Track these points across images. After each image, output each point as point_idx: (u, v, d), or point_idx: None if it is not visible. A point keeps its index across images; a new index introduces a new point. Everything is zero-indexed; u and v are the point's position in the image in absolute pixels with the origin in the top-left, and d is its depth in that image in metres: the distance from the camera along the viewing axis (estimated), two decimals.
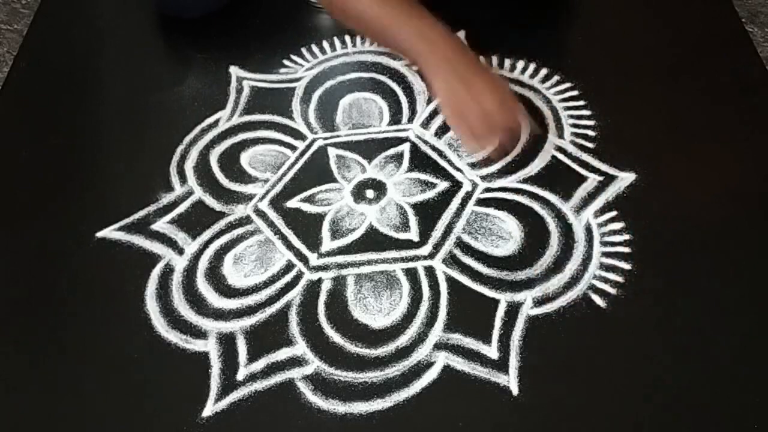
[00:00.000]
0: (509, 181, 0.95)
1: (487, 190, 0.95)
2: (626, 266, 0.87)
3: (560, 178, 0.95)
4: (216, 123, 1.05)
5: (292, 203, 0.96)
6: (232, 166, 1.00)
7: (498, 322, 0.84)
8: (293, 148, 1.01)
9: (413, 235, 0.92)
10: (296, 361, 0.82)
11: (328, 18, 1.18)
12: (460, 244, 0.90)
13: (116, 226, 0.94)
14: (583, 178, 0.95)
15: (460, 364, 0.81)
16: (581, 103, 1.03)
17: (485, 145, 0.87)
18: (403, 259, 0.90)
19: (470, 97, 0.85)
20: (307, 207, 0.95)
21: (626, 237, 0.89)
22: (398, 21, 0.87)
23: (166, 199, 0.97)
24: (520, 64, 1.08)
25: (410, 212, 0.94)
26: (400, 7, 0.88)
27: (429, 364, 0.81)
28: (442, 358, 0.82)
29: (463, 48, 0.89)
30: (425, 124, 1.02)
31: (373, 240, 0.91)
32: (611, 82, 1.06)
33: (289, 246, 0.92)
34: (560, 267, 0.88)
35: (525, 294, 0.86)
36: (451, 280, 0.87)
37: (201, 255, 0.92)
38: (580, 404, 0.78)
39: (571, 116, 1.02)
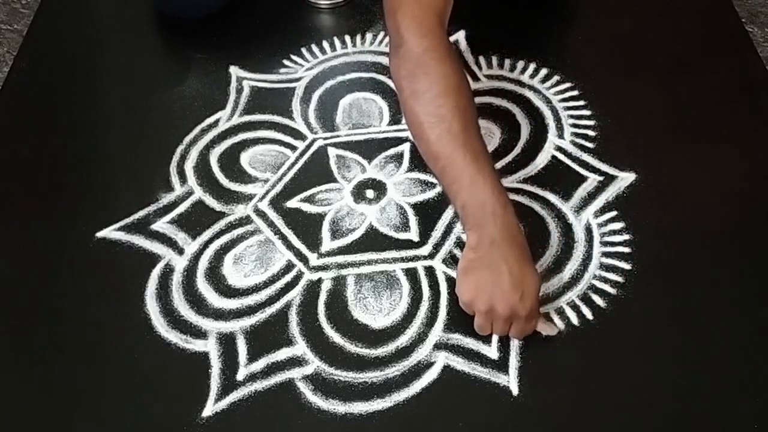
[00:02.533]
0: (509, 181, 0.95)
1: None
2: (626, 266, 0.87)
3: (560, 178, 0.95)
4: (216, 123, 1.05)
5: (292, 203, 0.96)
6: (232, 166, 1.00)
7: None
8: (293, 148, 1.01)
9: (413, 235, 0.92)
10: (296, 361, 0.82)
11: (328, 18, 1.18)
12: (460, 244, 0.90)
13: (116, 226, 0.94)
14: (583, 178, 0.95)
15: (460, 364, 0.81)
16: (581, 103, 1.03)
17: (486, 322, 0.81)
18: (403, 259, 0.90)
19: (490, 289, 0.78)
20: (307, 207, 0.95)
21: (626, 237, 0.89)
22: (464, 177, 0.81)
23: (166, 199, 0.97)
24: (520, 64, 1.08)
25: (410, 212, 0.94)
26: (469, 159, 0.81)
27: (429, 364, 0.81)
28: (442, 358, 0.82)
29: (514, 234, 0.81)
30: None
31: (373, 240, 0.91)
32: (611, 82, 1.06)
33: (289, 246, 0.92)
34: (560, 267, 0.88)
35: None
36: (451, 280, 0.87)
37: (201, 255, 0.92)
38: (580, 404, 0.78)
39: (571, 116, 1.02)
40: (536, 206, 0.93)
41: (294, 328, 0.85)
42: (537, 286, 0.80)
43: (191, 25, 1.16)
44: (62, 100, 1.10)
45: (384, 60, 1.10)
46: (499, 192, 0.82)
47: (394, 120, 1.03)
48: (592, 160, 0.97)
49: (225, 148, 1.02)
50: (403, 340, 0.83)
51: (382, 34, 1.14)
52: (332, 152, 1.00)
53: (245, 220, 0.95)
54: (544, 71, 1.07)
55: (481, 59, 1.08)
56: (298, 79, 1.09)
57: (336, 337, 0.84)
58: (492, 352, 0.82)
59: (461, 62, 0.87)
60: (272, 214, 0.95)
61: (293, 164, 0.99)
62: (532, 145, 0.99)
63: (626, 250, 0.88)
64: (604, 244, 0.89)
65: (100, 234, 0.94)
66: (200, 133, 1.04)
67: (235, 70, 1.11)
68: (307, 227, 0.93)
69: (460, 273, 0.82)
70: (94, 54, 1.18)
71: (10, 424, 0.80)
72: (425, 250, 0.90)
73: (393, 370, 0.81)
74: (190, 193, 0.97)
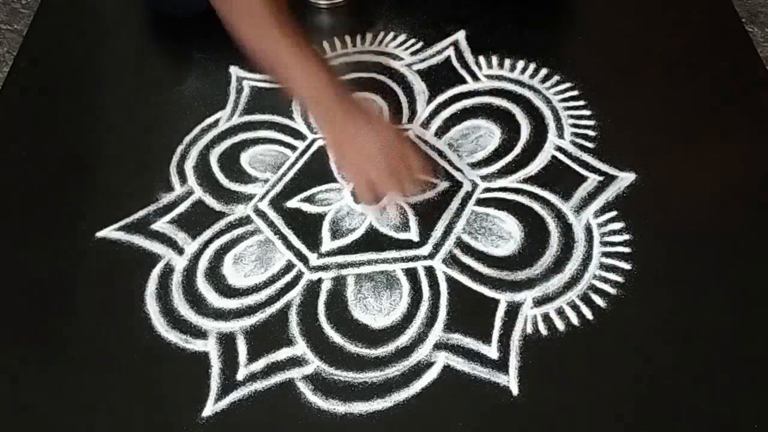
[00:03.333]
0: (509, 181, 0.95)
1: (487, 190, 0.95)
2: (626, 266, 0.87)
3: (560, 178, 0.95)
4: (216, 123, 1.05)
5: (292, 203, 0.96)
6: (232, 166, 1.00)
7: (498, 322, 0.84)
8: (293, 148, 1.01)
9: (413, 235, 0.92)
10: (296, 361, 0.82)
11: (328, 18, 1.18)
12: (460, 244, 0.90)
13: (116, 226, 0.94)
14: (583, 178, 0.95)
15: (460, 364, 0.81)
16: (581, 103, 1.03)
17: (378, 193, 0.82)
18: (403, 259, 0.90)
19: (354, 143, 0.83)
20: (307, 207, 0.95)
21: (626, 237, 0.89)
22: (287, 61, 0.83)
23: (166, 199, 0.97)
24: (520, 64, 1.08)
25: (410, 212, 0.94)
26: (289, 44, 0.83)
27: (429, 364, 0.81)
28: (442, 358, 0.82)
29: (348, 96, 0.85)
30: (425, 124, 1.02)
31: (373, 240, 0.91)
32: (611, 82, 1.06)
33: (289, 246, 0.92)
34: (560, 267, 0.88)
35: (525, 294, 0.86)
36: (451, 280, 0.87)
37: (201, 255, 0.92)
38: (580, 404, 0.78)
39: (571, 116, 1.02)
40: (536, 206, 0.93)
41: (294, 328, 0.85)
42: (391, 129, 0.84)
43: (191, 25, 1.16)
44: (62, 100, 1.10)
45: (384, 60, 1.10)
46: (322, 63, 0.83)
47: (394, 120, 1.03)
48: (592, 160, 0.97)
49: (225, 148, 1.02)
50: (403, 340, 0.83)
51: (382, 34, 1.14)
52: None
53: (245, 220, 0.95)
54: (544, 71, 1.07)
55: (481, 59, 1.09)
56: None
57: (336, 337, 0.84)
58: (492, 352, 0.82)
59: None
60: (272, 214, 0.95)
61: (293, 164, 0.99)
62: (532, 145, 0.99)
63: (626, 250, 0.88)
64: (604, 244, 0.89)
65: (100, 234, 0.94)
66: (200, 133, 1.04)
67: (235, 70, 1.11)
68: (307, 227, 0.93)
69: (339, 161, 0.85)
70: (94, 54, 1.18)
71: (9, 423, 0.81)
72: (425, 250, 0.90)
73: (393, 370, 0.81)
74: (190, 193, 0.97)
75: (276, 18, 0.83)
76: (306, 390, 0.80)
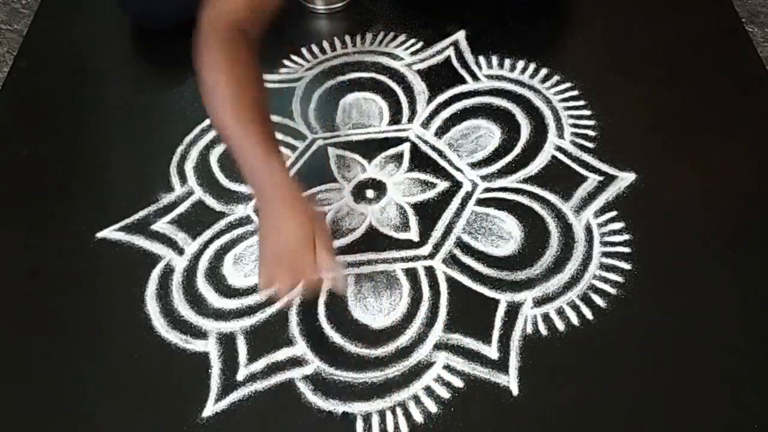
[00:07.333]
0: (509, 181, 0.95)
1: (487, 190, 0.95)
2: (626, 266, 0.87)
3: (560, 178, 0.95)
4: None
5: None
6: (232, 166, 1.00)
7: (498, 322, 0.84)
8: (293, 148, 1.01)
9: (413, 235, 0.92)
10: (296, 361, 0.82)
11: (327, 23, 1.18)
12: (460, 244, 0.90)
13: (117, 226, 0.94)
14: (583, 178, 0.95)
15: (460, 364, 0.81)
16: (581, 103, 1.03)
17: (273, 284, 0.79)
18: (403, 259, 0.90)
19: (270, 236, 0.80)
20: None
21: (626, 237, 0.89)
22: (244, 152, 0.81)
23: (166, 199, 0.97)
24: (520, 64, 1.08)
25: (410, 212, 0.94)
26: (249, 137, 0.80)
27: (429, 364, 0.81)
28: (442, 358, 0.82)
29: (289, 191, 0.81)
30: (425, 124, 1.02)
31: (373, 240, 0.91)
32: (611, 82, 1.06)
33: None
34: (560, 267, 0.88)
35: (525, 294, 0.86)
36: (451, 280, 0.87)
37: (201, 255, 0.92)
38: (580, 404, 0.78)
39: (571, 116, 1.02)
40: (536, 206, 0.93)
41: (294, 328, 0.85)
42: (303, 229, 0.78)
43: (191, 25, 1.16)
44: (62, 100, 1.10)
45: (384, 60, 1.10)
46: (273, 159, 0.80)
47: (394, 120, 1.03)
48: (592, 160, 0.97)
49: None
50: (403, 340, 0.83)
51: (382, 34, 1.14)
52: (332, 152, 1.00)
53: (245, 220, 0.95)
54: (544, 71, 1.07)
55: (481, 59, 1.09)
56: (298, 79, 1.09)
57: (336, 337, 0.84)
58: (492, 352, 0.82)
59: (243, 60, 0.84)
60: None
61: (293, 164, 0.99)
62: (532, 145, 0.99)
63: (626, 250, 0.88)
64: (604, 244, 0.89)
65: (100, 234, 0.94)
66: (200, 133, 1.04)
67: None
68: None
69: (260, 251, 0.81)
70: (94, 54, 1.18)
71: (10, 423, 0.81)
72: (425, 250, 0.90)
73: (393, 370, 0.81)
74: (190, 193, 0.97)
75: (240, 104, 0.81)
76: (306, 390, 0.80)
